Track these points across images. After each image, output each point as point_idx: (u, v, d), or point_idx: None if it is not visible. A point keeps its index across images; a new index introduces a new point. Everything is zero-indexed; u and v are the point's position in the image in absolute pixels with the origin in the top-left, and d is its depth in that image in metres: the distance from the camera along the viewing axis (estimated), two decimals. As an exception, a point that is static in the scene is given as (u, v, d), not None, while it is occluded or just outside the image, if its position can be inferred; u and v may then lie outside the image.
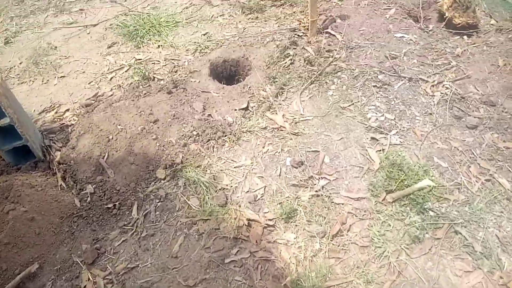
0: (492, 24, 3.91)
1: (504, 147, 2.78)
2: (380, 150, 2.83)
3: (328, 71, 3.43)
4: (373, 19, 3.94)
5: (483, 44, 3.58)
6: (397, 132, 2.95)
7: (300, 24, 3.99)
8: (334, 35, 3.80)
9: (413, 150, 2.82)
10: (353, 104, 3.18)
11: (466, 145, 2.83)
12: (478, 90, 3.16)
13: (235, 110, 3.19)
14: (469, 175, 2.62)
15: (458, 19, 3.82)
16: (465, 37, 3.75)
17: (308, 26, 3.80)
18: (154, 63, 3.74)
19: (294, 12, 4.21)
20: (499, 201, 2.46)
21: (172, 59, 3.76)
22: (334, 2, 4.27)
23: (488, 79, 3.24)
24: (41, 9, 4.67)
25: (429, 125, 2.99)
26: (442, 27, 3.86)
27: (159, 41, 3.99)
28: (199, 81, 3.49)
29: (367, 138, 2.92)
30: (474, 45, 3.58)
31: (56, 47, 4.05)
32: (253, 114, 3.16)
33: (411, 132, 2.95)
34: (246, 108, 3.19)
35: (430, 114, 3.06)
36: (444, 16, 3.92)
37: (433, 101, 3.14)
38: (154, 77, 3.54)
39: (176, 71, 3.62)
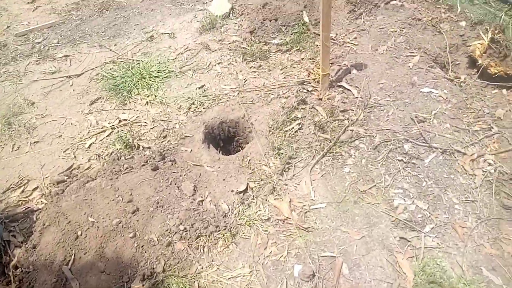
0: (533, 73, 3.23)
1: None
2: (413, 257, 2.17)
3: (343, 139, 2.79)
4: (394, 69, 3.30)
5: (529, 103, 2.91)
6: (432, 228, 2.29)
7: (309, 75, 3.37)
8: (349, 90, 3.17)
9: (455, 257, 2.16)
10: (375, 185, 2.53)
11: (522, 249, 2.16)
12: (530, 169, 2.49)
13: (232, 192, 2.57)
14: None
15: (494, 69, 3.16)
16: (504, 90, 3.09)
17: (318, 78, 3.18)
18: (141, 125, 3.15)
19: (302, 59, 3.59)
20: None
21: (162, 120, 3.17)
22: (348, 47, 3.64)
23: (541, 152, 2.57)
24: (24, 54, 4.13)
25: (472, 218, 2.32)
26: (476, 78, 3.20)
27: (148, 96, 3.40)
28: (191, 150, 2.89)
29: (395, 238, 2.26)
30: (517, 105, 2.92)
31: (33, 102, 3.49)
32: (253, 198, 2.53)
33: (450, 228, 2.29)
34: (245, 191, 2.56)
35: (473, 201, 2.40)
36: (477, 64, 3.26)
37: (474, 183, 2.48)
38: (138, 145, 2.94)
39: (165, 136, 3.02)
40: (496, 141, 2.70)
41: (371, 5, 4.13)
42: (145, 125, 3.14)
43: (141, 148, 2.94)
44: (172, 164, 2.75)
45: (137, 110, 3.30)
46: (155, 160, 2.76)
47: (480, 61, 3.24)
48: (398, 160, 2.65)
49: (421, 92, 3.08)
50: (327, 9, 2.68)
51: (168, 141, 2.98)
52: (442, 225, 2.31)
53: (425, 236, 2.26)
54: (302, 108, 3.04)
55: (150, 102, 3.36)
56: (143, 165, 2.74)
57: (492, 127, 2.77)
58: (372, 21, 3.92)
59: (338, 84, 3.23)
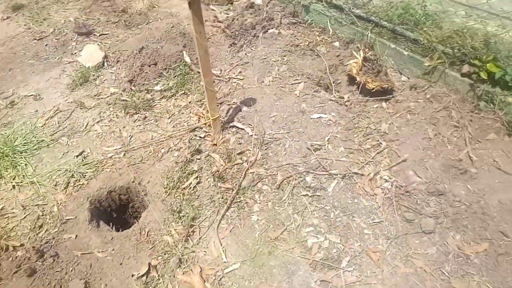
0: (403, 81, 3.57)
1: (471, 253, 2.26)
2: (336, 299, 2.12)
3: (245, 185, 2.69)
4: (283, 100, 3.34)
5: (406, 112, 3.17)
6: (349, 261, 2.28)
7: (199, 119, 3.22)
8: (243, 129, 3.10)
9: (376, 286, 2.16)
10: (286, 229, 2.46)
11: (431, 260, 2.27)
12: (420, 177, 2.67)
13: (133, 277, 2.25)
14: (451, 315, 2.02)
15: (371, 84, 3.39)
16: (383, 104, 3.33)
17: (209, 121, 3.05)
18: (8, 217, 2.64)
19: (189, 103, 3.44)
20: None
21: (35, 205, 2.70)
22: (235, 82, 3.60)
23: (425, 158, 2.78)
24: None
25: (382, 240, 2.38)
26: (357, 96, 3.40)
27: (15, 177, 2.90)
28: (76, 236, 2.49)
29: (316, 282, 2.19)
30: (397, 116, 3.15)
31: None
32: (159, 279, 2.25)
33: (365, 256, 2.31)
34: (148, 272, 2.27)
35: (379, 222, 2.47)
36: (356, 81, 3.48)
37: (376, 203, 2.57)
38: (7, 246, 2.44)
39: (41, 226, 2.57)
40: (387, 155, 2.86)
41: (250, 36, 4.20)
42: (14, 217, 2.64)
43: (10, 249, 2.43)
44: (54, 261, 2.32)
45: (1, 199, 2.77)
46: (30, 261, 2.30)
47: (358, 79, 3.46)
48: (303, 195, 2.63)
49: (311, 118, 3.16)
50: (203, 55, 2.57)
51: (46, 230, 2.54)
52: (357, 255, 2.31)
53: (344, 272, 2.23)
54: (197, 159, 2.87)
55: (17, 184, 2.85)
56: (15, 272, 2.26)
57: (381, 143, 2.94)
58: (254, 52, 3.98)
59: (231, 124, 3.14)
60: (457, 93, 3.19)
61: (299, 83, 3.50)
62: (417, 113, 3.14)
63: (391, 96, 3.36)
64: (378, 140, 2.95)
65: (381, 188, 2.64)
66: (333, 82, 3.59)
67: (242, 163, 2.83)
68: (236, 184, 2.68)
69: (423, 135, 2.95)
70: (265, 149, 2.94)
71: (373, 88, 3.37)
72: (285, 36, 4.18)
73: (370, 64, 3.50)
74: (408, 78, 3.58)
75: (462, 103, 3.11)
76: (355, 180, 2.70)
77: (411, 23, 3.59)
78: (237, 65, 3.83)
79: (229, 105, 3.32)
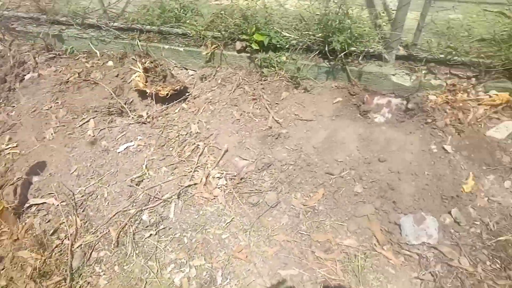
0: (192, 75, 3.69)
1: (315, 203, 2.55)
2: (228, 321, 2.08)
3: (77, 264, 2.32)
4: (78, 148, 3.00)
5: (207, 104, 3.29)
6: (222, 275, 2.26)
7: (-20, 219, 2.58)
8: (44, 203, 2.65)
9: (256, 281, 2.22)
10: (146, 283, 2.25)
11: (288, 229, 2.46)
12: (246, 159, 2.83)
13: None
14: (333, 267, 2.24)
15: (163, 91, 3.37)
16: (184, 105, 3.37)
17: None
18: None
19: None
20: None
21: None
22: (9, 154, 3.02)
23: (242, 140, 2.96)
24: None
25: (241, 236, 2.45)
26: (155, 109, 3.33)
27: None
28: None
29: (201, 318, 2.10)
30: (200, 112, 3.24)
31: None
32: None
33: (235, 260, 2.33)
34: None
35: (231, 220, 2.52)
36: (147, 94, 3.40)
37: (221, 204, 2.61)
38: None
39: None
40: (209, 153, 2.92)
41: (4, 92, 3.59)
42: None
43: None
44: None
45: None
46: None
47: (148, 91, 3.38)
48: (148, 237, 2.45)
49: (119, 153, 2.94)
50: None
51: None
52: (227, 264, 2.31)
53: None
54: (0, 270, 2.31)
55: None
56: None
57: (198, 144, 2.97)
58: (17, 109, 3.41)
59: (27, 205, 2.64)
60: (242, 69, 3.48)
61: (88, 121, 3.20)
62: (217, 101, 3.30)
63: (187, 94, 3.43)
64: (194, 143, 2.98)
65: (218, 187, 2.69)
66: (125, 104, 3.42)
67: (62, 241, 2.43)
68: (65, 271, 2.28)
69: (231, 119, 3.13)
70: (83, 211, 2.60)
71: (167, 94, 3.35)
72: (48, 76, 3.73)
73: (153, 72, 3.46)
74: (195, 71, 3.71)
75: (249, 76, 3.42)
76: (191, 193, 2.67)
77: (174, 20, 3.70)
78: (3, 132, 3.22)
79: (13, 184, 2.77)
